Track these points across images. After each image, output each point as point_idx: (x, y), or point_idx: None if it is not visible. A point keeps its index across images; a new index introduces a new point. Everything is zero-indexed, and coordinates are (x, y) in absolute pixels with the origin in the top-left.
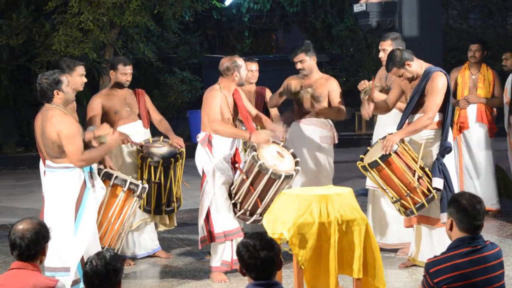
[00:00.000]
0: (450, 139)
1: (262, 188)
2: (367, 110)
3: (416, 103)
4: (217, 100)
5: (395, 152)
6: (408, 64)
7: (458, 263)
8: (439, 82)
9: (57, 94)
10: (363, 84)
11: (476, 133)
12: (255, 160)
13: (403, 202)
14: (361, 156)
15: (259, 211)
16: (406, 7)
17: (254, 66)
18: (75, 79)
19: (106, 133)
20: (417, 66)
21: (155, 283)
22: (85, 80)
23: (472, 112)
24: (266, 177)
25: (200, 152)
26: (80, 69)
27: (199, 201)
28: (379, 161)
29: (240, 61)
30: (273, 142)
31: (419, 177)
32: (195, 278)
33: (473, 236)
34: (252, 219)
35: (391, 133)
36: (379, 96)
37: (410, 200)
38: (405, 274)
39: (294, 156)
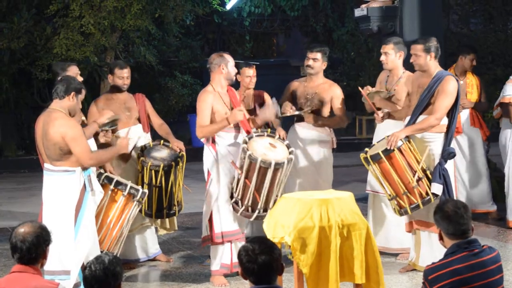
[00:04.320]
0: (453, 144)
1: (256, 179)
2: (379, 116)
3: (426, 104)
4: (207, 103)
5: (399, 149)
6: (430, 55)
7: (457, 268)
8: (451, 85)
9: (72, 97)
10: (367, 90)
11: (470, 137)
12: (245, 152)
13: (399, 201)
14: (366, 149)
15: (259, 205)
16: (407, 11)
17: (252, 71)
18: None
19: (109, 117)
20: (433, 65)
21: (155, 286)
22: (81, 79)
23: (464, 117)
24: (257, 166)
25: (205, 152)
26: (74, 69)
27: (201, 204)
28: (381, 154)
29: (228, 56)
30: (268, 135)
31: (419, 178)
32: (195, 282)
33: (468, 240)
34: (254, 215)
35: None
36: (382, 103)
37: (406, 199)
38: (405, 279)
39: (288, 146)
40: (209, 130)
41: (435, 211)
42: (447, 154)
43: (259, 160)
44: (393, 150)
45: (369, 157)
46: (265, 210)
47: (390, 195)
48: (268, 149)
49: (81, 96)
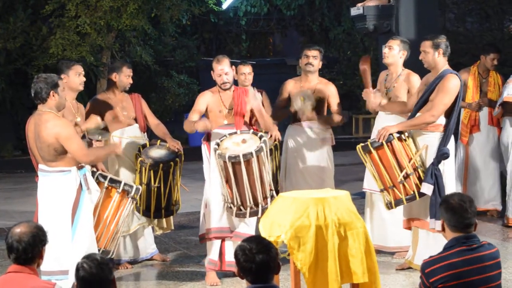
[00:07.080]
0: (451, 144)
1: (225, 173)
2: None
3: (425, 102)
4: (200, 100)
5: (389, 143)
6: (438, 52)
7: (454, 262)
8: (451, 82)
9: (53, 95)
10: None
11: (487, 135)
12: (215, 151)
13: (385, 193)
14: (369, 141)
15: (236, 202)
16: (403, 10)
17: (247, 69)
18: (72, 78)
19: (96, 125)
20: (441, 62)
21: (152, 286)
22: (83, 79)
23: (483, 115)
24: (228, 164)
25: (202, 151)
26: (78, 68)
27: (197, 203)
28: (370, 146)
29: (214, 63)
30: (252, 133)
31: (407, 175)
32: (191, 281)
33: (467, 235)
34: (234, 211)
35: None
36: (388, 106)
37: (392, 193)
38: (401, 277)
39: (261, 137)
40: (186, 126)
41: (441, 202)
42: (441, 154)
43: (216, 153)
44: (382, 144)
45: (360, 148)
46: (256, 205)
47: (380, 188)
48: (236, 145)
49: (61, 87)
